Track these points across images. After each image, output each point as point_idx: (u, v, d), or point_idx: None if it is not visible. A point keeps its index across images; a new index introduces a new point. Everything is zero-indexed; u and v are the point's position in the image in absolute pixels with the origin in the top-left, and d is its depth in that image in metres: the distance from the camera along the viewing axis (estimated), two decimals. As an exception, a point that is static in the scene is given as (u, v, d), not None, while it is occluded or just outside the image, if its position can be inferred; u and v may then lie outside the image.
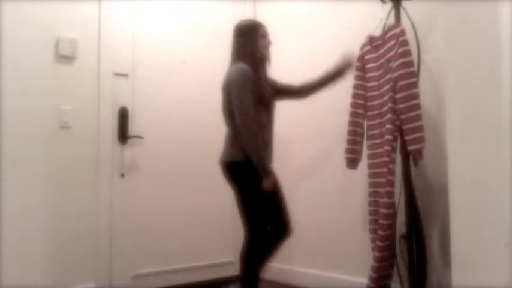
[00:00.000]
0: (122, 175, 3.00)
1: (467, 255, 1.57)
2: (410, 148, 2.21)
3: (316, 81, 2.65)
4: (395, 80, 2.27)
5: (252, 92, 2.34)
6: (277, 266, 2.98)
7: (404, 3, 2.45)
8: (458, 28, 1.63)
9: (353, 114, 2.59)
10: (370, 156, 2.50)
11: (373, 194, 2.47)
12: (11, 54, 2.59)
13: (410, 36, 2.45)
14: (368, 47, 2.55)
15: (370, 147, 2.51)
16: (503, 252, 1.46)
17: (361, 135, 2.58)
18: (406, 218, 2.37)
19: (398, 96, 2.25)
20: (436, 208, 2.43)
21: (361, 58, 2.58)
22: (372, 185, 2.47)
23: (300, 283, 2.89)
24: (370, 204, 2.49)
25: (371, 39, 2.54)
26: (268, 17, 3.13)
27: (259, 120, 2.38)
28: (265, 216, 2.43)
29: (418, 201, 2.38)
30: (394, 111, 2.30)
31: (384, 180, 2.35)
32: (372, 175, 2.48)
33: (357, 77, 2.60)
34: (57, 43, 2.76)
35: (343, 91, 2.70)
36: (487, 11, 1.54)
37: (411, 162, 2.38)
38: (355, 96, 2.59)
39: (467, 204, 1.58)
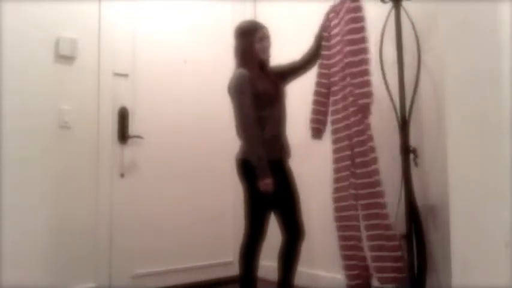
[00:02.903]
0: (122, 175, 3.00)
1: (467, 256, 1.57)
2: (360, 102, 2.30)
3: (312, 49, 2.67)
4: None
5: (250, 94, 2.37)
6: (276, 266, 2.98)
7: (404, 3, 2.45)
8: (458, 28, 1.63)
9: (316, 93, 2.63)
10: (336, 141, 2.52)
11: (339, 189, 2.46)
12: (11, 54, 2.59)
13: (410, 36, 2.46)
14: (333, 14, 2.56)
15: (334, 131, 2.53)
16: (503, 252, 1.46)
17: (325, 105, 2.59)
18: (406, 218, 2.37)
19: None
20: (436, 208, 2.43)
21: (327, 28, 2.60)
22: (338, 181, 2.48)
23: (300, 283, 2.88)
24: (339, 200, 2.47)
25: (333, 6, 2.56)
26: (268, 17, 3.13)
27: (264, 117, 2.41)
28: (260, 217, 2.43)
29: (418, 201, 2.38)
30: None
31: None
32: (337, 160, 2.50)
33: (323, 56, 2.61)
34: (57, 43, 2.76)
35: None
36: (487, 11, 1.54)
37: (411, 162, 2.38)
38: (320, 75, 2.61)
39: (467, 205, 1.58)
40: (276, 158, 2.43)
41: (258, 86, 2.41)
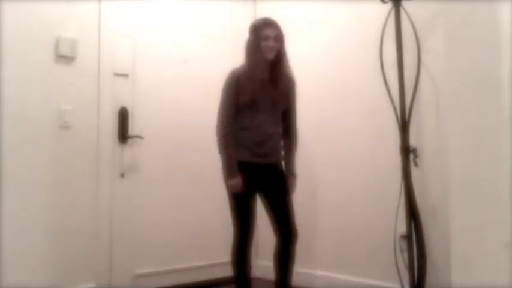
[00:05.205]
0: (122, 175, 3.00)
1: (466, 255, 1.57)
2: None
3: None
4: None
5: (234, 94, 2.40)
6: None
7: (404, 3, 2.45)
8: (458, 28, 1.63)
9: None
10: None
11: None
12: (11, 54, 2.58)
13: (410, 36, 2.46)
14: None
15: None
16: (503, 252, 1.46)
17: None
18: (406, 218, 2.38)
19: None
20: (436, 208, 2.44)
21: None
22: None
23: (299, 283, 2.89)
24: None
25: None
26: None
27: (248, 118, 2.42)
28: (245, 216, 2.45)
29: (418, 201, 2.39)
30: None
31: None
32: None
33: None
34: (57, 43, 2.76)
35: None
36: (487, 11, 1.55)
37: (411, 162, 2.38)
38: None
39: (467, 204, 1.58)
40: (255, 161, 2.43)
41: (247, 87, 2.40)
